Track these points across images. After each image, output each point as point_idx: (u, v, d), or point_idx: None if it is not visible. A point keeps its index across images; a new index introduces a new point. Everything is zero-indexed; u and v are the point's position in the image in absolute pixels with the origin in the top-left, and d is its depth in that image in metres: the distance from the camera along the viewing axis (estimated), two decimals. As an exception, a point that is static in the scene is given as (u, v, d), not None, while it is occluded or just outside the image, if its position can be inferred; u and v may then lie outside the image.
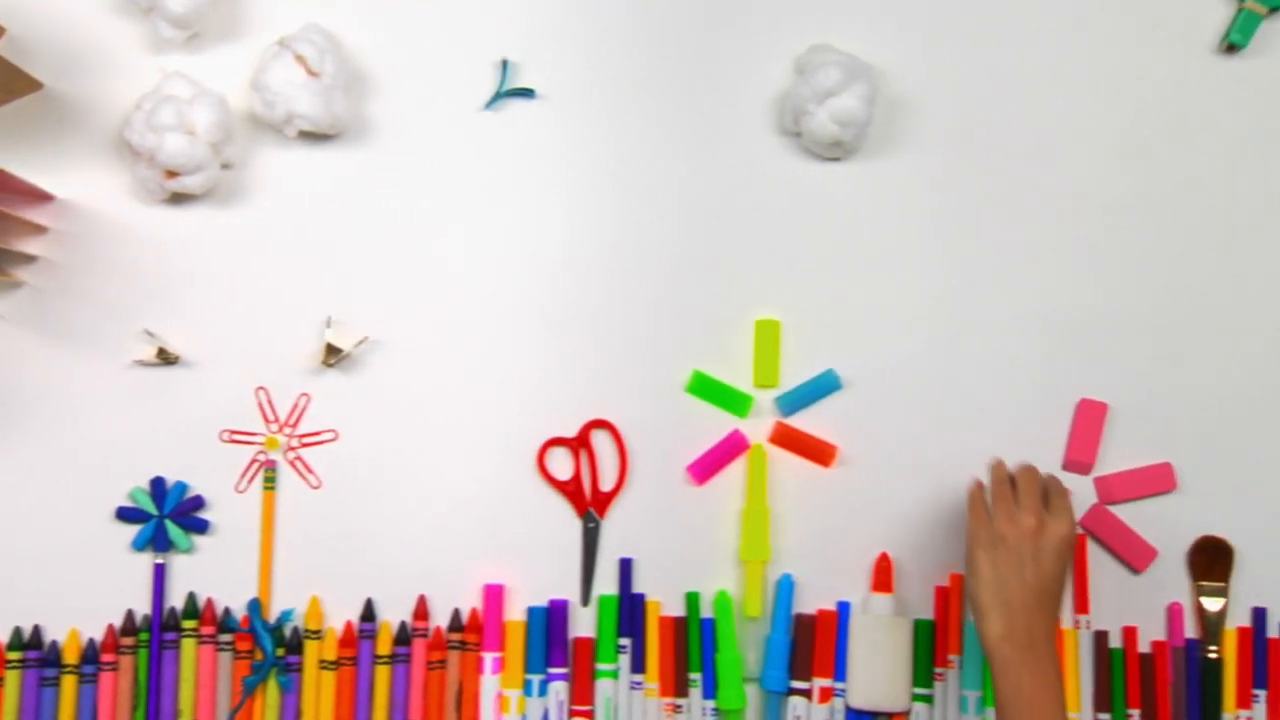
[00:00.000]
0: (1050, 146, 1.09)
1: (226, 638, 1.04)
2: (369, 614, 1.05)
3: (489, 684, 1.05)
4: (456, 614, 1.06)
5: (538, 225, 1.08)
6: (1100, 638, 1.05)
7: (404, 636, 1.05)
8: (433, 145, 1.09)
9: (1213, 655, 1.04)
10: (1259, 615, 1.04)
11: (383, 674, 1.04)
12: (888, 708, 1.05)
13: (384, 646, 1.05)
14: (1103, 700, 1.04)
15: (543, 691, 1.05)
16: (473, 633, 1.05)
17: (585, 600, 1.07)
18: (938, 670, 1.05)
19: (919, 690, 1.05)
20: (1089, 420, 1.06)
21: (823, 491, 1.07)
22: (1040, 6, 1.10)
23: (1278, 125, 1.09)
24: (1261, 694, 1.04)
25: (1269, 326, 1.06)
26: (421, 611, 1.05)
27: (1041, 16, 1.10)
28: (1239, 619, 1.05)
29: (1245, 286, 1.07)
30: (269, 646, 1.03)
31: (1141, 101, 1.09)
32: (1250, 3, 1.07)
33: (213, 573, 1.05)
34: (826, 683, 1.05)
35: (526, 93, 1.09)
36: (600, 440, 1.08)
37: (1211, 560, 1.05)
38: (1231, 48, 1.08)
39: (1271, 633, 1.04)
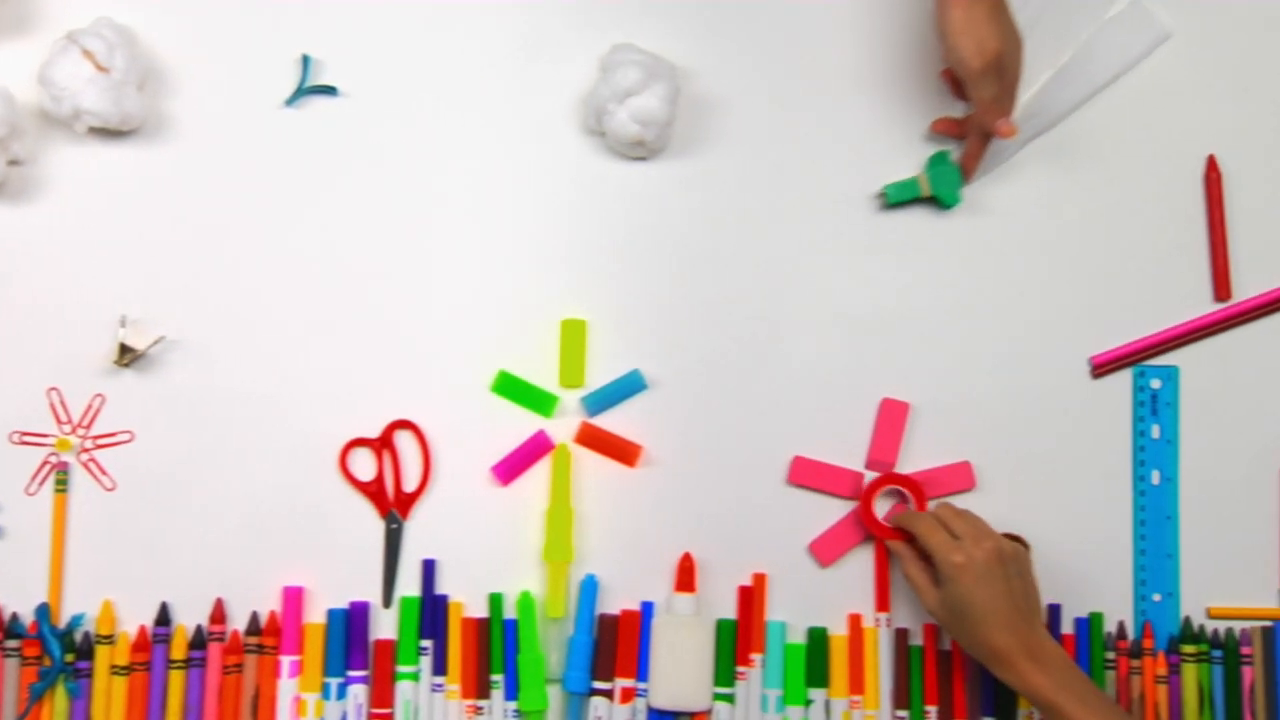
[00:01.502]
0: (849, 147, 1.09)
1: (13, 644, 1.02)
2: (164, 618, 1.03)
3: (286, 687, 1.04)
4: (255, 617, 1.04)
5: (340, 224, 1.07)
6: (900, 635, 1.06)
7: (200, 641, 1.04)
8: (232, 142, 1.07)
9: (1008, 652, 1.06)
10: (1053, 612, 1.06)
11: (176, 679, 1.03)
12: (689, 707, 1.05)
13: (179, 651, 1.03)
14: (901, 697, 1.06)
15: (341, 694, 1.04)
16: (271, 636, 1.04)
17: (387, 602, 1.06)
18: (740, 669, 1.06)
19: (720, 689, 1.05)
20: (891, 419, 1.07)
21: (628, 491, 1.07)
22: (845, 8, 1.11)
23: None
24: (1055, 689, 1.05)
25: (1064, 326, 1.08)
26: (218, 615, 1.04)
27: (850, 18, 1.10)
28: (1035, 616, 1.07)
29: (1041, 287, 1.09)
30: (57, 652, 1.01)
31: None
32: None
33: (0, 577, 1.03)
34: (629, 683, 1.05)
35: (328, 90, 1.08)
36: (404, 440, 1.07)
37: (1008, 558, 1.06)
38: None
39: (1066, 629, 1.06)
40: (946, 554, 0.98)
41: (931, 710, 1.05)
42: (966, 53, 1.00)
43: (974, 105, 1.03)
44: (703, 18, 1.10)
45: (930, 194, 1.07)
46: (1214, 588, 1.06)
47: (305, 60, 1.07)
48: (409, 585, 1.06)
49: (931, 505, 1.04)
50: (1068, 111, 1.09)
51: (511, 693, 1.05)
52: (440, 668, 1.05)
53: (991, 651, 0.96)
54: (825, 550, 1.07)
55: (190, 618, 1.04)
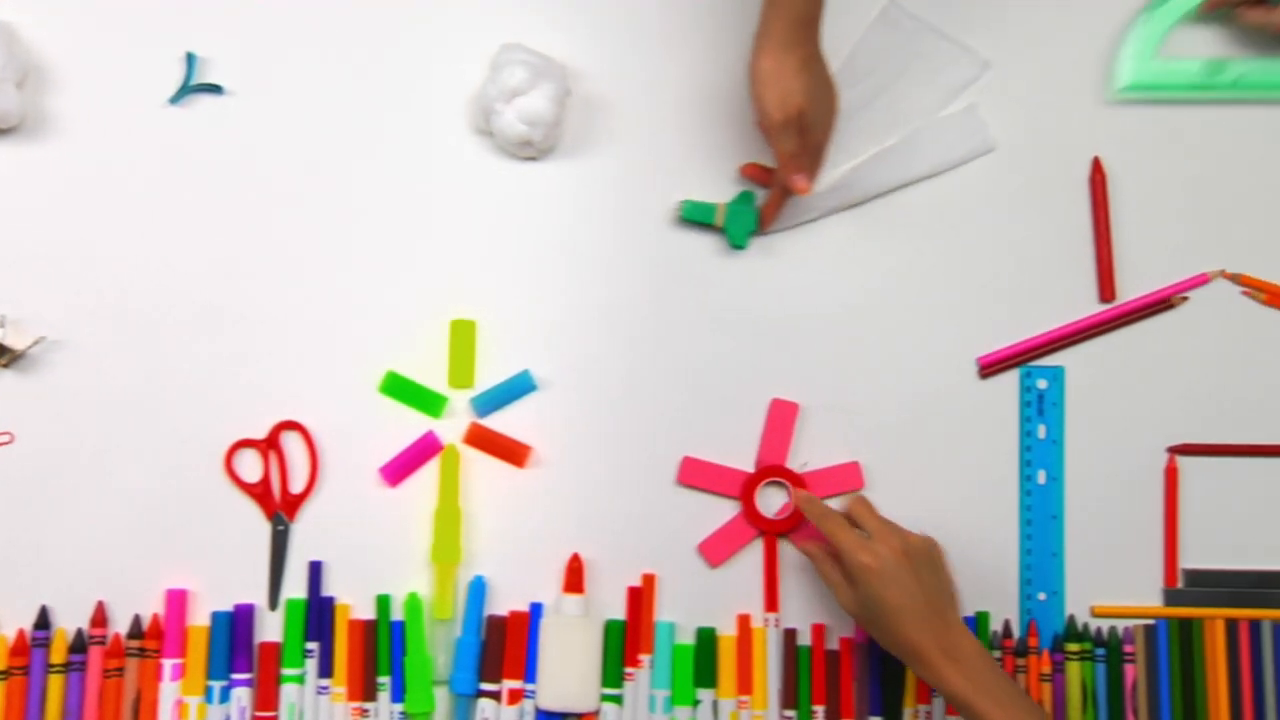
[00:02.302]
0: (736, 149, 1.09)
1: (-111, 648, 1.01)
2: (43, 621, 1.02)
3: (168, 691, 1.03)
4: (137, 620, 1.03)
5: (225, 223, 1.07)
6: (789, 635, 1.06)
7: (80, 644, 1.02)
8: (115, 140, 1.06)
9: (895, 651, 1.06)
10: (940, 611, 1.06)
11: (55, 683, 1.01)
12: (576, 708, 1.05)
13: (58, 655, 1.02)
14: (789, 697, 1.06)
15: (225, 698, 1.03)
16: (154, 639, 1.03)
17: (273, 604, 1.05)
18: (628, 670, 1.06)
19: (609, 690, 1.05)
20: (780, 420, 1.07)
21: (517, 492, 1.07)
22: (732, 6, 1.11)
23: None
24: (941, 688, 1.06)
25: (952, 327, 1.08)
26: (100, 618, 1.03)
27: (736, 18, 1.11)
28: (922, 615, 1.07)
29: (929, 288, 1.09)
30: (-68, 656, 1.00)
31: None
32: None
33: (-125, 581, 1.02)
34: (516, 684, 1.05)
35: (214, 88, 1.07)
36: (291, 441, 1.06)
37: (895, 558, 1.07)
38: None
39: (954, 628, 1.07)
40: (854, 554, 0.98)
41: (819, 710, 1.06)
42: (769, 104, 0.98)
43: (774, 157, 1.03)
44: (593, 18, 1.10)
45: (722, 227, 1.08)
46: (1098, 586, 1.07)
47: (190, 58, 1.06)
48: (295, 587, 1.05)
49: (844, 500, 1.04)
50: (880, 193, 1.08)
51: (398, 695, 1.04)
52: (326, 670, 1.04)
53: (907, 649, 0.96)
54: (714, 551, 1.07)
55: (71, 621, 1.03)
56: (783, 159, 1.01)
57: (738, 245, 1.08)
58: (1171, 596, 1.06)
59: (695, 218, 1.08)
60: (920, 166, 1.08)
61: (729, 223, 1.07)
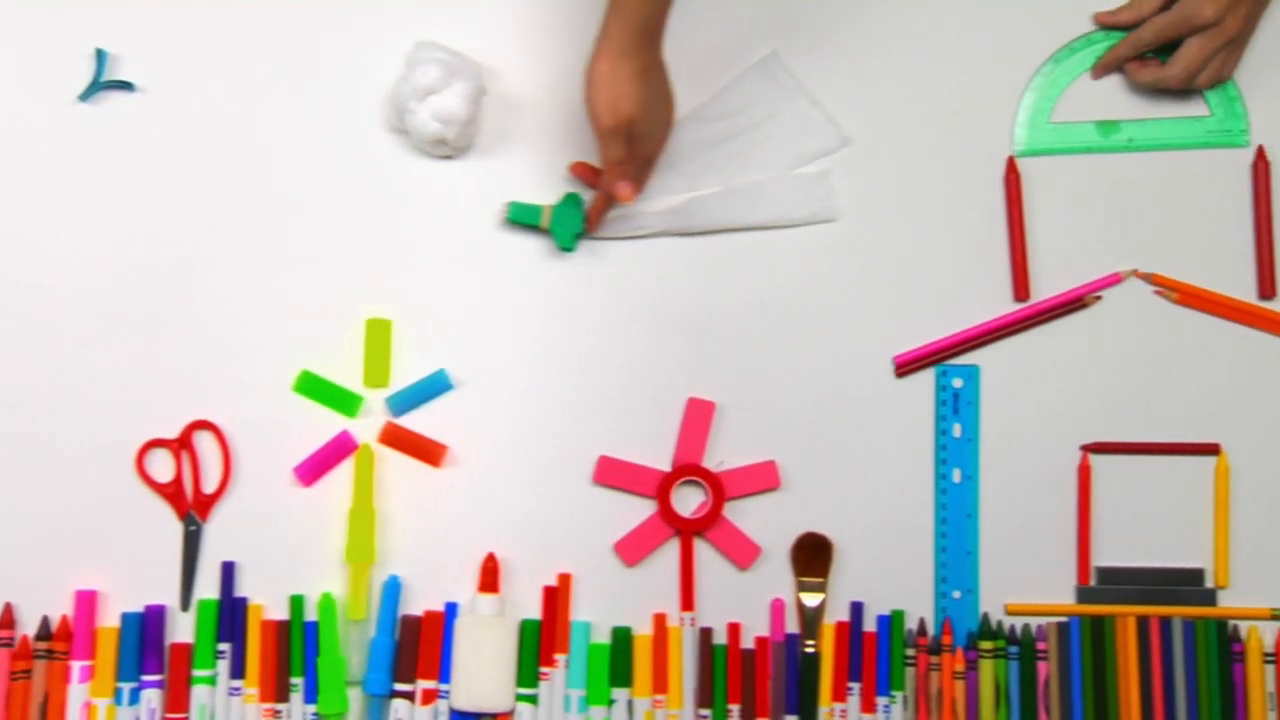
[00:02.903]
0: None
1: None
2: (-51, 623, 1.02)
3: (77, 693, 1.02)
4: (45, 621, 1.02)
5: (138, 220, 1.06)
6: (705, 634, 1.06)
7: (-13, 646, 1.02)
8: (24, 138, 1.05)
9: (810, 650, 1.06)
10: (855, 609, 1.07)
11: (-39, 685, 1.01)
12: (490, 708, 1.04)
13: (-35, 657, 1.01)
14: (705, 696, 1.06)
15: (134, 699, 1.02)
16: (62, 641, 1.02)
17: (185, 605, 1.05)
18: (543, 670, 1.05)
19: (524, 690, 1.05)
20: (697, 419, 1.07)
21: (433, 492, 1.07)
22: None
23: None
24: (855, 687, 1.06)
25: (868, 326, 1.08)
26: (7, 620, 1.02)
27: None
28: (838, 614, 1.07)
29: (845, 287, 1.09)
30: None
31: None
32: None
33: None
34: (430, 684, 1.04)
35: (125, 85, 1.06)
36: (203, 441, 1.06)
37: (811, 556, 1.07)
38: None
39: (869, 626, 1.07)
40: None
41: (734, 709, 1.06)
42: (599, 108, 0.98)
43: (601, 162, 1.03)
44: (512, 16, 1.10)
45: (548, 229, 1.07)
46: (1013, 584, 1.07)
47: (100, 55, 1.06)
48: (208, 588, 1.05)
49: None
50: (713, 229, 1.08)
51: (311, 695, 1.04)
52: (238, 671, 1.04)
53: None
54: (630, 550, 1.07)
55: (-22, 623, 1.02)
56: (609, 165, 1.01)
57: (565, 247, 1.07)
58: (1084, 594, 1.06)
59: (522, 220, 1.07)
60: (759, 215, 1.08)
61: (555, 225, 1.07)
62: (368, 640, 1.05)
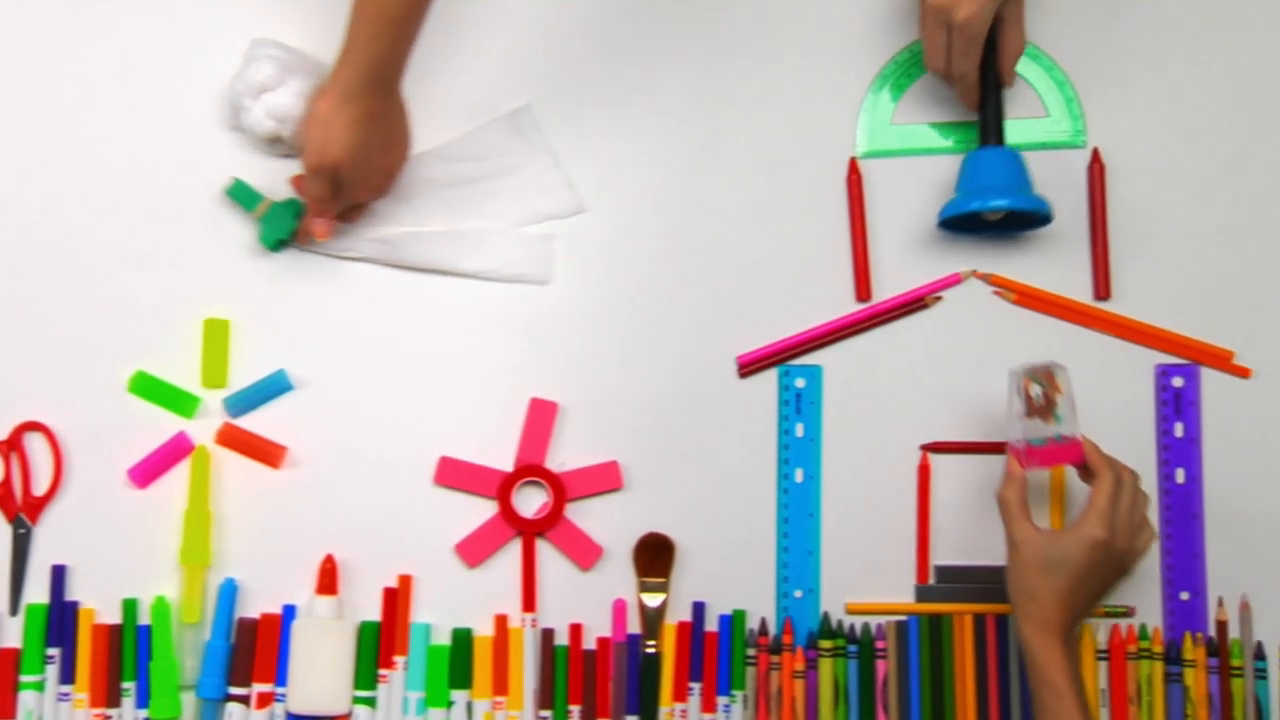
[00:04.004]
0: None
1: None
2: None
3: (-103, 700, 1.00)
4: None
5: (-35, 219, 1.04)
6: (546, 635, 1.06)
7: None
8: None
9: (651, 650, 1.06)
10: (697, 609, 1.07)
11: None
12: (327, 711, 1.04)
13: None
14: (545, 697, 1.05)
15: (-41, 706, 1.01)
16: (-116, 647, 1.01)
17: (14, 609, 1.03)
18: (382, 672, 1.05)
19: (362, 693, 1.04)
20: (539, 419, 1.07)
21: (271, 493, 1.06)
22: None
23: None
24: (696, 687, 1.06)
25: (712, 326, 1.08)
26: None
27: (492, 15, 1.10)
28: (680, 614, 1.07)
29: (688, 287, 1.09)
30: None
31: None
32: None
33: None
34: (266, 688, 1.03)
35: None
36: (34, 442, 1.04)
37: (653, 557, 1.07)
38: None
39: (710, 626, 1.07)
40: (1097, 524, 0.94)
41: (575, 710, 1.06)
42: (309, 146, 0.98)
43: (304, 195, 1.03)
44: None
45: (257, 220, 1.06)
46: (854, 583, 1.07)
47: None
48: (37, 592, 1.03)
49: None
50: (422, 267, 1.07)
51: (143, 700, 1.03)
52: (68, 676, 1.02)
53: (1043, 617, 0.93)
54: (471, 551, 1.06)
55: None
56: (310, 201, 1.02)
57: (267, 245, 1.06)
58: (923, 593, 1.07)
59: (238, 199, 1.06)
60: (471, 264, 1.07)
61: (265, 220, 1.06)
62: (202, 644, 1.04)
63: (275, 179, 1.07)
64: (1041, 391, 0.98)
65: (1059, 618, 0.94)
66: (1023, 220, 1.06)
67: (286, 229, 1.05)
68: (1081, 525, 0.95)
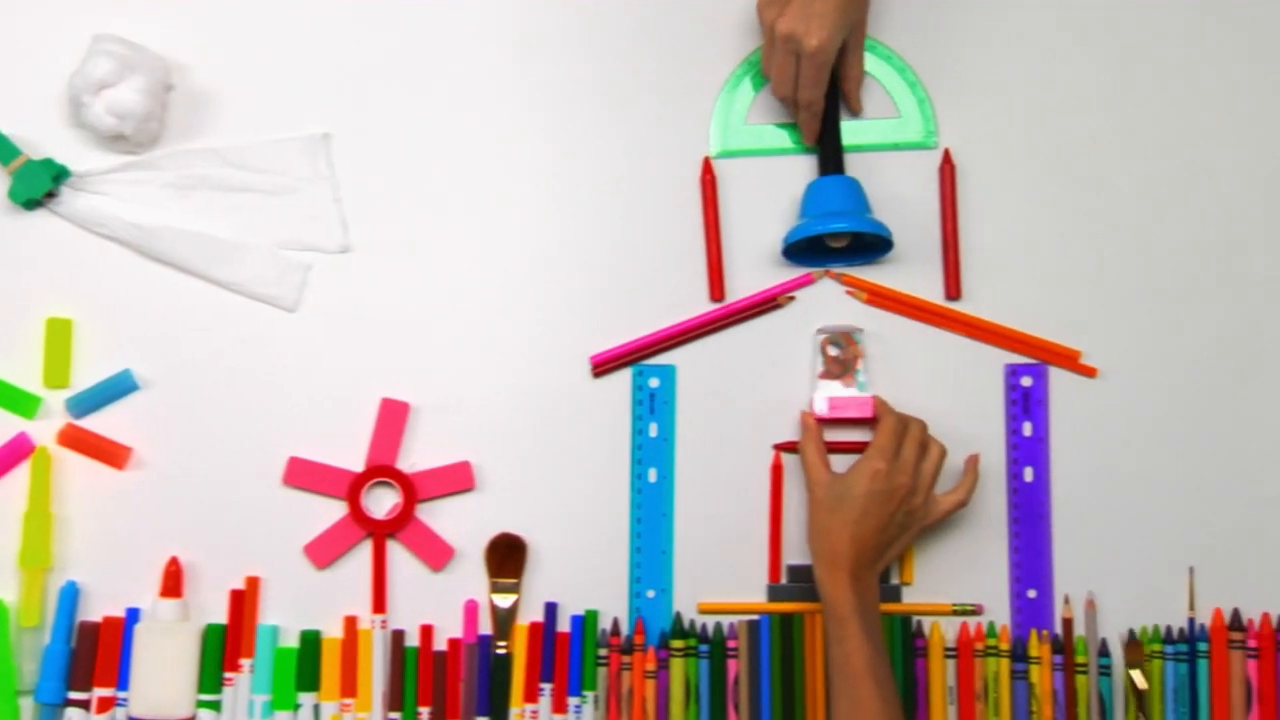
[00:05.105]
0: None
1: None
2: None
3: None
4: None
5: None
6: (397, 637, 1.05)
7: None
8: None
9: (502, 651, 1.05)
10: (549, 610, 1.06)
11: None
12: (170, 715, 1.02)
13: None
14: (395, 699, 1.05)
15: None
16: None
17: None
18: (228, 675, 1.04)
19: (206, 696, 1.03)
20: (390, 420, 1.06)
21: (115, 495, 1.05)
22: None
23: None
24: (548, 687, 1.05)
25: (566, 326, 1.08)
26: None
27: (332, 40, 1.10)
28: (533, 615, 1.07)
29: (542, 287, 1.09)
30: None
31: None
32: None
33: None
34: (107, 692, 1.02)
35: None
36: None
37: (505, 557, 1.06)
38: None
39: (563, 627, 1.06)
40: (876, 456, 1.00)
41: (425, 711, 1.05)
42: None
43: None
44: (201, 8, 1.08)
45: (11, 174, 1.04)
46: (707, 583, 1.07)
47: None
48: None
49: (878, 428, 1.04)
50: (169, 262, 1.06)
51: (-20, 706, 1.01)
52: (-99, 682, 1.01)
53: (832, 551, 0.99)
54: (321, 552, 1.05)
55: None
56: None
57: (17, 202, 1.04)
58: (775, 592, 1.07)
59: None
60: (221, 274, 1.06)
61: (18, 176, 1.03)
62: (42, 648, 1.02)
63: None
64: (839, 352, 1.05)
65: (847, 551, 0.99)
66: (866, 246, 1.07)
67: (41, 189, 1.03)
68: (863, 460, 1.01)
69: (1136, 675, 1.04)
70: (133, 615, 1.04)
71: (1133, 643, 1.04)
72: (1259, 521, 1.06)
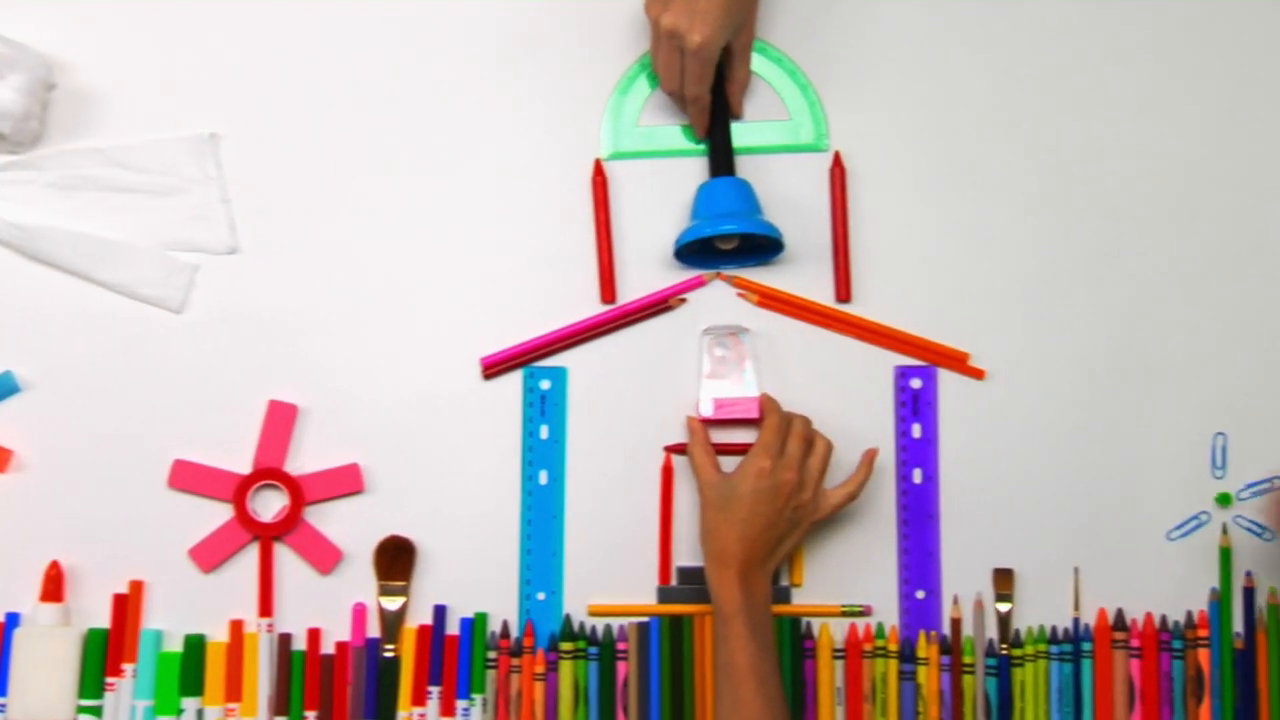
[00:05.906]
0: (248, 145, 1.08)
1: None
2: None
3: None
4: None
5: None
6: (284, 640, 1.05)
7: None
8: None
9: (390, 654, 1.05)
10: (438, 612, 1.06)
11: None
12: (49, 721, 1.02)
13: None
14: (281, 703, 1.04)
15: None
16: None
17: None
18: (109, 680, 1.03)
19: (88, 702, 1.02)
20: (278, 421, 1.06)
21: (-4, 498, 1.04)
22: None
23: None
24: (436, 690, 1.05)
25: (456, 327, 1.07)
26: None
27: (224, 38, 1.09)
28: (421, 617, 1.06)
29: (431, 288, 1.08)
30: None
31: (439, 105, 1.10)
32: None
33: None
34: (-15, 698, 1.01)
35: None
36: None
37: (393, 560, 1.06)
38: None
39: (452, 629, 1.06)
40: (761, 454, 1.01)
41: (311, 715, 1.04)
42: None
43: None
44: (86, 8, 1.07)
45: None
46: (596, 585, 1.07)
47: None
48: None
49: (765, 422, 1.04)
50: (50, 263, 1.05)
51: None
52: None
53: (721, 550, 1.00)
54: (206, 555, 1.05)
55: None
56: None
57: None
58: (665, 594, 1.07)
59: None
60: (104, 274, 1.05)
61: None
62: (-82, 654, 1.01)
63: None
64: (725, 353, 1.05)
65: (735, 550, 1.00)
66: (757, 247, 1.08)
67: None
68: (748, 458, 1.02)
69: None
70: (12, 620, 1.02)
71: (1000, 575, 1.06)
72: (1143, 522, 1.06)
